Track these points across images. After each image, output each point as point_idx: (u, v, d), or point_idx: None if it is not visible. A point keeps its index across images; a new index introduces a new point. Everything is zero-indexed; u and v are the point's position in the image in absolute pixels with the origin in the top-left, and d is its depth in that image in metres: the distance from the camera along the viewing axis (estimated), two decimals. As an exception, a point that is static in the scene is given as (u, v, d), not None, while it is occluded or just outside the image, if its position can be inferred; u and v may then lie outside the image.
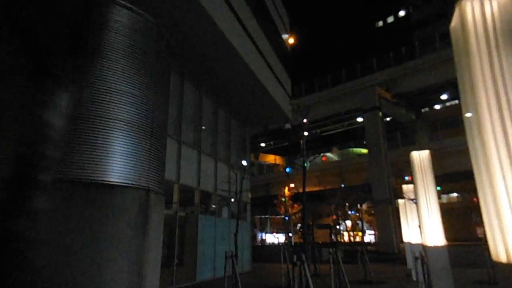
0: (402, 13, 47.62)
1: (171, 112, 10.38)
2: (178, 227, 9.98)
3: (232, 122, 14.30)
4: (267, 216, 44.91)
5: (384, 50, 29.34)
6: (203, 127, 11.98)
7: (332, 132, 37.94)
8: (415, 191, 4.71)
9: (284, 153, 42.97)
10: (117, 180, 2.62)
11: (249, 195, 15.21)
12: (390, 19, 49.42)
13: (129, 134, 2.76)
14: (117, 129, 2.70)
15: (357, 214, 33.62)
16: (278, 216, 40.56)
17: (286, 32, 18.02)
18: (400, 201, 10.13)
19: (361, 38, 48.51)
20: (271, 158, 45.44)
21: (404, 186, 7.85)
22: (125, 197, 2.65)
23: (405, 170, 29.07)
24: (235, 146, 14.81)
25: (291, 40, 33.91)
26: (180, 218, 10.21)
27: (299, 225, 45.89)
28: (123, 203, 2.62)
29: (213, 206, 12.19)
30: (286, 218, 35.38)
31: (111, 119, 2.67)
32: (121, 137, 2.70)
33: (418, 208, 4.62)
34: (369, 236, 46.10)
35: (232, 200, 13.56)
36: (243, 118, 15.05)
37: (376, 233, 37.82)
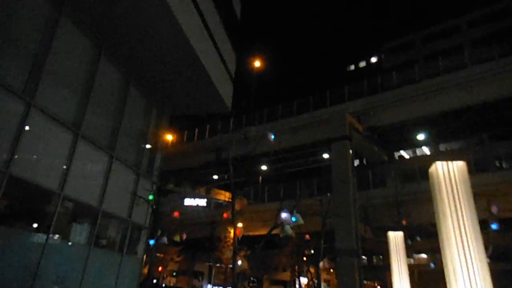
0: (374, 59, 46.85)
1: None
2: None
3: (131, 89, 9.08)
4: (210, 263, 37.87)
5: (358, 81, 26.08)
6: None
7: (296, 169, 33.33)
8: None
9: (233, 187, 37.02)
10: None
11: (149, 211, 9.58)
12: (362, 64, 48.45)
13: None
14: None
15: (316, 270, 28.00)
16: (223, 265, 33.85)
17: None
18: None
19: (333, 77, 46.60)
20: (222, 195, 39.48)
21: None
22: None
23: (375, 216, 24.33)
24: (133, 130, 9.50)
25: (257, 63, 30.20)
26: None
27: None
28: None
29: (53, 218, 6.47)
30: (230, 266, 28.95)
31: None
32: None
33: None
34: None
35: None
36: (150, 85, 9.92)
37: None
